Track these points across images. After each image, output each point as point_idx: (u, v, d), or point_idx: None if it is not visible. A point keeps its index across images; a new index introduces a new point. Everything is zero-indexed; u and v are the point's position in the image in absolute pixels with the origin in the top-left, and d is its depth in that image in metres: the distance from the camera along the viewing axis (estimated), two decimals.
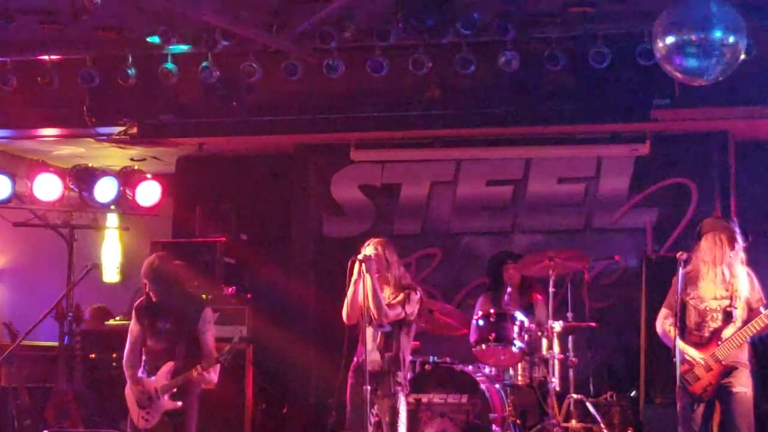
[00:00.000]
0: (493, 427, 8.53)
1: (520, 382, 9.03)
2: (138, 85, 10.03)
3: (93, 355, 10.35)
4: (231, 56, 9.81)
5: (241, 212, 11.44)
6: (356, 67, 9.67)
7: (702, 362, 7.05)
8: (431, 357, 8.82)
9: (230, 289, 10.37)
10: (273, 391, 10.66)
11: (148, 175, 10.20)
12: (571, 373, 9.04)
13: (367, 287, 7.28)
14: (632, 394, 9.74)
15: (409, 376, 7.66)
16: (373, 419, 7.47)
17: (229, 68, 9.86)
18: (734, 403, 7.04)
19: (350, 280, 7.35)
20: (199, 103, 10.53)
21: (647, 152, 10.53)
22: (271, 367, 10.51)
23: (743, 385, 7.08)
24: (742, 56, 7.91)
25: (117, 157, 11.56)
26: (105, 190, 9.92)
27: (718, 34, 7.66)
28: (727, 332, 7.06)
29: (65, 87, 10.17)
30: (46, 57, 10.03)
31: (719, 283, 7.12)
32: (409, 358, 7.59)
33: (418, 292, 7.52)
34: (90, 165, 10.10)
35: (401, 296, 7.41)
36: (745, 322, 7.05)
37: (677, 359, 7.01)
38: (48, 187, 9.70)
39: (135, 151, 11.54)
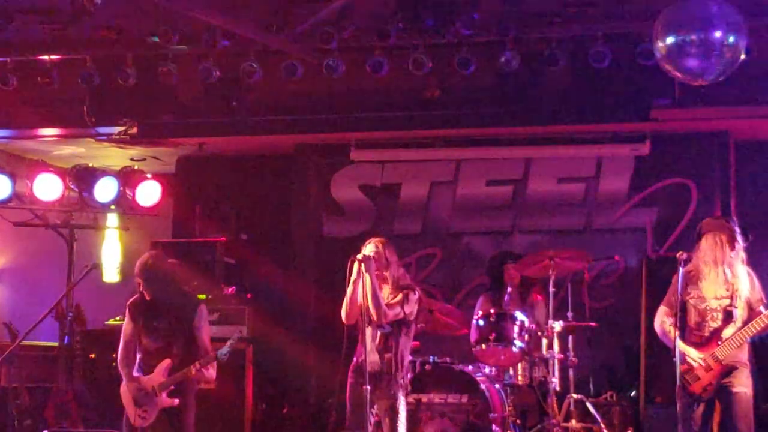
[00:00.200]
0: (493, 427, 8.52)
1: (520, 382, 9.03)
2: (138, 85, 10.02)
3: (93, 355, 10.36)
4: (231, 56, 9.81)
5: (241, 212, 11.46)
6: (356, 67, 9.66)
7: (701, 364, 7.05)
8: (431, 357, 8.82)
9: (230, 289, 10.36)
10: (273, 391, 10.66)
11: (148, 175, 10.21)
12: (571, 373, 9.03)
13: (367, 287, 7.26)
14: (632, 394, 9.75)
15: (409, 376, 7.65)
16: (372, 419, 7.46)
17: (229, 68, 9.87)
18: (734, 402, 7.03)
19: (350, 280, 7.35)
20: (199, 103, 10.51)
21: (647, 152, 10.53)
22: (271, 367, 10.50)
23: (743, 384, 7.07)
24: (742, 56, 7.90)
25: (117, 157, 11.55)
26: (105, 190, 9.93)
27: (718, 34, 7.65)
28: (727, 332, 7.06)
29: (65, 87, 10.16)
30: (46, 57, 10.02)
31: (720, 283, 7.12)
32: (408, 358, 7.58)
33: (416, 293, 7.51)
34: (90, 165, 10.11)
35: (400, 296, 7.40)
36: (746, 322, 7.05)
37: (677, 359, 7.01)
38: (48, 187, 9.71)
39: (135, 151, 11.54)
